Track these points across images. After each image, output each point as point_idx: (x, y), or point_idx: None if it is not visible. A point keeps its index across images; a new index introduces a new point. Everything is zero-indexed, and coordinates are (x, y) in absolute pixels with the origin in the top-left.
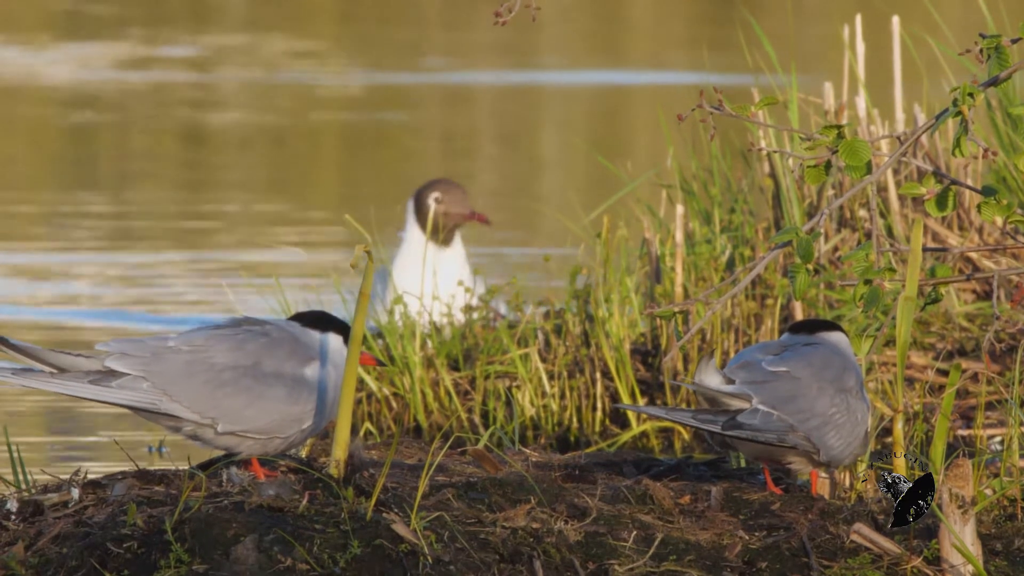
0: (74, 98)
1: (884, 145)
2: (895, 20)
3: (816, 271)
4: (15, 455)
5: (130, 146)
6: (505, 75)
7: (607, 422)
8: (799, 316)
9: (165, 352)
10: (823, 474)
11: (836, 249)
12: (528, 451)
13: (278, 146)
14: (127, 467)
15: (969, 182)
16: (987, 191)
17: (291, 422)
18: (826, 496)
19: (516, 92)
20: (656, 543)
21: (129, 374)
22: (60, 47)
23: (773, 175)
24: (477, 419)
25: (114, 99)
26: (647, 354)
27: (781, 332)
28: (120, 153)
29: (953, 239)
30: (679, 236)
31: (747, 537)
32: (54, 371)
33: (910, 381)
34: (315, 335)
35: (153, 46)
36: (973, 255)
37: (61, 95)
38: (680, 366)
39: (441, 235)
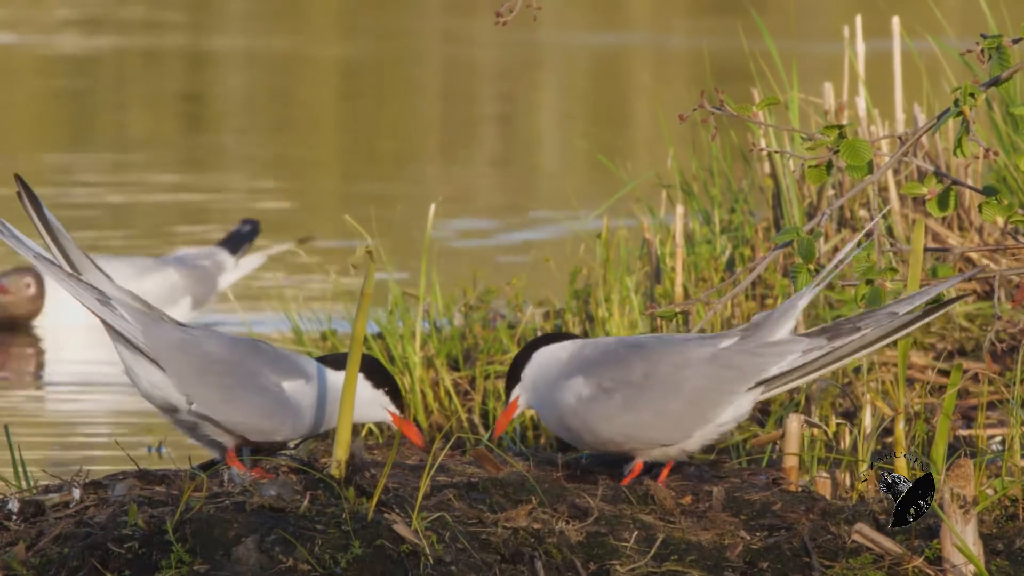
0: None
1: (884, 145)
2: (895, 20)
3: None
4: (17, 455)
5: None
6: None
7: None
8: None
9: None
10: (825, 473)
11: (836, 249)
12: (529, 451)
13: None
14: (128, 467)
15: (970, 182)
16: (988, 191)
17: (262, 429)
18: (827, 496)
19: (516, 53)
20: (657, 543)
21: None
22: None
23: (773, 175)
24: (477, 419)
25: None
26: None
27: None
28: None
29: (953, 239)
30: (679, 236)
31: (748, 537)
32: (70, 269)
33: (911, 381)
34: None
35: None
36: (973, 255)
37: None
38: None
39: None
